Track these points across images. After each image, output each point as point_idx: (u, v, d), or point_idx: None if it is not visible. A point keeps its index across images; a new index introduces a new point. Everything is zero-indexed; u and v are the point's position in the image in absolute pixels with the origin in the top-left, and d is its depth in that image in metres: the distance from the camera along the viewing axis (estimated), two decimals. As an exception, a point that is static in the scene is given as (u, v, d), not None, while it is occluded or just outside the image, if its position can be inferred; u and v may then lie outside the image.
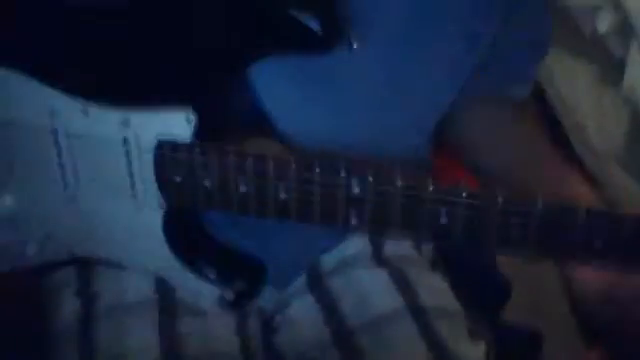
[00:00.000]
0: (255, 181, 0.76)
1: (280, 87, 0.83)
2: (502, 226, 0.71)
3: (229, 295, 0.88)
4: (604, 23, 1.65)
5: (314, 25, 0.73)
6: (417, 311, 0.93)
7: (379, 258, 0.99)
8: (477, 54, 0.90)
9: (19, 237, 0.90)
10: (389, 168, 0.73)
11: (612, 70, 1.74)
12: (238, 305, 0.92)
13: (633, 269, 0.73)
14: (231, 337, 0.93)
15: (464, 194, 0.71)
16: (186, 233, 0.81)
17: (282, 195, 0.75)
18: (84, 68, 0.81)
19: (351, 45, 0.76)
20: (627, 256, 0.71)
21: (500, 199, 0.70)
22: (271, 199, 0.76)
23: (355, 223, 0.75)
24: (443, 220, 0.72)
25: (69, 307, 0.93)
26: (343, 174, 0.73)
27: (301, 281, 0.99)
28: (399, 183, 0.72)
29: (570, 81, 1.90)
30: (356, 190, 0.73)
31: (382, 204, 0.73)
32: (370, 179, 0.73)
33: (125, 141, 0.80)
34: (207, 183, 0.78)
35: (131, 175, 0.81)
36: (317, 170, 0.74)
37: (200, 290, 0.88)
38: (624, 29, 1.63)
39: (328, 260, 1.00)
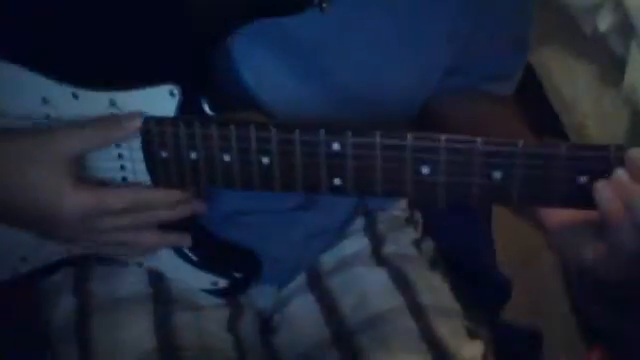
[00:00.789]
0: (238, 148, 0.76)
1: (258, 57, 0.83)
2: (484, 168, 0.70)
3: (222, 283, 0.88)
4: (604, 22, 1.65)
5: None
6: (417, 310, 0.93)
7: (379, 257, 0.99)
8: (455, 48, 0.89)
9: (14, 231, 0.90)
10: (367, 126, 0.73)
11: (612, 70, 1.74)
12: (231, 294, 0.92)
13: None
14: (225, 334, 0.93)
15: (443, 138, 0.71)
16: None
17: (265, 160, 0.76)
18: (71, 53, 0.81)
19: (322, 6, 0.76)
20: None
21: (479, 140, 0.70)
22: (254, 166, 0.77)
23: (339, 184, 0.75)
24: (425, 170, 0.72)
25: (66, 306, 0.94)
26: (322, 131, 0.74)
27: (301, 280, 0.99)
28: (378, 135, 0.72)
29: (570, 80, 1.89)
30: (336, 146, 0.73)
31: (363, 158, 0.73)
32: (349, 133, 0.73)
33: None
34: (193, 156, 0.78)
35: (120, 156, 0.82)
36: (297, 130, 0.74)
37: (192, 277, 0.89)
38: (624, 28, 1.63)
39: (328, 259, 1.00)
